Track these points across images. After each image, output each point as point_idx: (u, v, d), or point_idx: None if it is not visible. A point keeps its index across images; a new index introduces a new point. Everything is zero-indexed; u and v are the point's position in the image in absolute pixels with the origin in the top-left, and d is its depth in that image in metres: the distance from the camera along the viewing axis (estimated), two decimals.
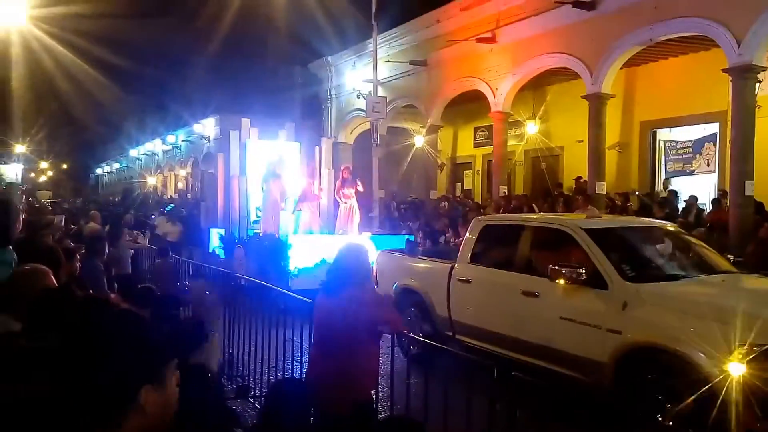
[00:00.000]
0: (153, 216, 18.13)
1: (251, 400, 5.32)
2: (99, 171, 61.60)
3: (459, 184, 20.98)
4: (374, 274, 7.96)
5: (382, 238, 11.24)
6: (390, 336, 4.41)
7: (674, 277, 5.68)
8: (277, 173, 11.82)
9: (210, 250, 13.57)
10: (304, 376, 4.04)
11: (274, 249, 10.57)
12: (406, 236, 11.60)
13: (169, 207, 21.12)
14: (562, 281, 5.46)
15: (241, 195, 12.81)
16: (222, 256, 12.72)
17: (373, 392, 3.90)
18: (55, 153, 48.93)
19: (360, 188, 12.43)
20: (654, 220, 8.32)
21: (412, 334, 6.56)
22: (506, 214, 10.36)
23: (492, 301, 6.49)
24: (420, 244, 11.73)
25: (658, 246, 6.42)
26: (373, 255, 10.59)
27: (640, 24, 11.72)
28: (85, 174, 62.11)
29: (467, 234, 7.16)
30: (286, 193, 12.14)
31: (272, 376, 5.39)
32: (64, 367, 1.64)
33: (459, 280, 6.82)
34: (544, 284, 5.72)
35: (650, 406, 4.77)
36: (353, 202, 12.36)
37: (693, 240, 6.91)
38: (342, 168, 13.11)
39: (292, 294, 5.80)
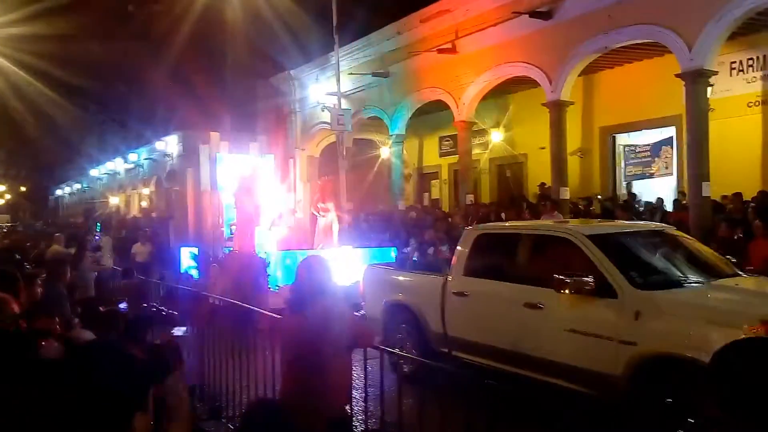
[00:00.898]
0: (97, 237, 17.01)
1: (224, 420, 5.24)
2: (59, 192, 60.11)
3: (426, 193, 21.10)
4: (361, 289, 7.86)
5: (367, 252, 10.90)
6: (378, 352, 4.34)
7: (684, 283, 5.40)
8: (249, 187, 11.49)
9: (182, 270, 12.93)
10: (277, 396, 4.00)
11: (253, 267, 10.28)
12: (392, 249, 11.32)
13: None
14: (567, 291, 5.16)
15: (214, 211, 12.46)
16: (195, 276, 12.09)
17: (347, 407, 3.87)
18: (12, 176, 47.59)
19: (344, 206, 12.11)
20: (654, 223, 7.99)
21: (403, 352, 6.52)
22: (499, 223, 10.05)
23: (491, 314, 6.17)
24: (409, 256, 11.43)
25: (661, 250, 6.12)
26: (358, 269, 10.12)
27: (595, 32, 12.01)
28: (44, 196, 60.58)
29: (459, 245, 6.79)
30: (260, 208, 11.73)
31: (245, 397, 5.32)
32: (69, 405, 1.75)
33: (454, 293, 6.49)
34: (547, 295, 5.44)
35: (668, 416, 4.57)
36: (332, 215, 11.97)
37: (695, 243, 6.64)
38: (321, 180, 12.87)
39: (270, 314, 5.53)
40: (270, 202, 11.98)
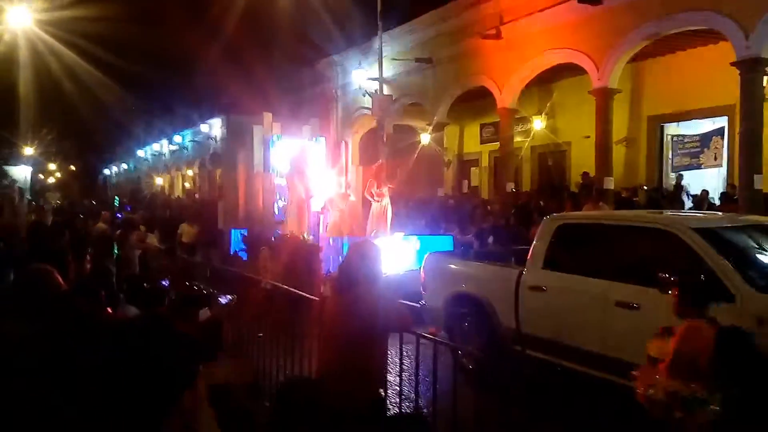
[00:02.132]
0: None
1: (262, 398, 5.35)
2: (107, 172, 61.94)
3: (465, 181, 20.97)
4: (422, 278, 7.38)
5: (422, 239, 10.44)
6: (439, 344, 4.23)
7: None
8: (301, 170, 11.14)
9: (231, 252, 12.48)
10: (314, 374, 4.06)
11: (305, 251, 9.83)
12: (450, 236, 10.92)
13: None
14: (671, 292, 4.29)
15: (265, 193, 12.07)
16: (244, 258, 11.63)
17: (382, 390, 3.91)
18: (63, 155, 49.15)
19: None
20: (764, 217, 6.97)
21: (470, 348, 6.13)
22: (584, 212, 9.29)
23: (575, 312, 5.56)
24: (472, 245, 11.01)
25: None
26: (412, 257, 9.86)
27: (647, 18, 11.67)
28: (93, 175, 62.43)
29: (537, 236, 6.20)
30: (312, 191, 11.27)
31: (283, 374, 5.40)
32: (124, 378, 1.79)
33: (531, 288, 5.92)
34: (645, 295, 4.85)
35: None
36: (387, 201, 11.35)
37: None
38: (376, 164, 11.91)
39: (315, 299, 5.30)
40: (322, 186, 11.49)
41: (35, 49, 20.50)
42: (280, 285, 6.36)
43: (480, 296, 6.48)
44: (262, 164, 12.40)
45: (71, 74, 26.50)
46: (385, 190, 11.25)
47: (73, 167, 58.43)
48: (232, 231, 12.77)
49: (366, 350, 3.55)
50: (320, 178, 11.55)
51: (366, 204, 11.72)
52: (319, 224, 10.94)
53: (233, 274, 8.04)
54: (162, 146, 42.61)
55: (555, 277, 5.78)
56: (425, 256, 7.68)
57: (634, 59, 13.16)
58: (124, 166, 55.33)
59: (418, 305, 7.03)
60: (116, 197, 22.85)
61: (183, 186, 39.39)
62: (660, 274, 4.45)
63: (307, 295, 5.53)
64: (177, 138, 38.49)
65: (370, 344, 3.58)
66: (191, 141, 36.54)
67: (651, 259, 5.16)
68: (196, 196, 31.02)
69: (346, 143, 12.79)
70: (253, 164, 12.59)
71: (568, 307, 5.63)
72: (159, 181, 42.57)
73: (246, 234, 11.94)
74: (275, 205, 12.12)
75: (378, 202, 11.28)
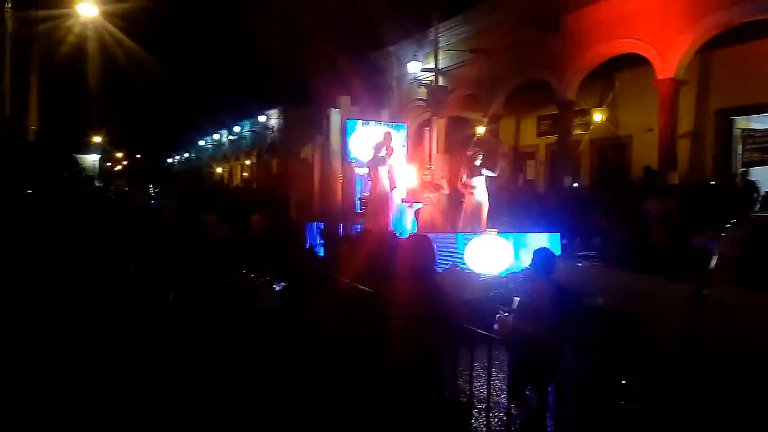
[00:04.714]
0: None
1: None
2: (170, 160, 64.07)
3: (521, 174, 20.58)
4: None
5: (525, 238, 9.28)
6: None
7: None
8: (386, 159, 9.95)
9: (306, 247, 11.37)
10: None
11: (388, 247, 8.96)
12: (557, 234, 9.60)
13: None
14: None
15: (346, 183, 10.84)
16: (321, 253, 10.68)
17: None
18: (129, 144, 51.15)
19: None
20: None
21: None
22: None
23: None
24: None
25: None
26: (503, 254, 8.58)
27: (717, 5, 11.10)
28: (157, 163, 64.67)
29: (723, 243, 4.94)
30: (396, 182, 10.07)
31: None
32: None
33: (719, 305, 4.67)
34: None
35: None
36: (481, 193, 10.13)
37: None
38: (470, 152, 10.49)
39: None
40: (406, 176, 10.41)
41: (102, 41, 21.32)
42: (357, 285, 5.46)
43: (631, 311, 5.26)
44: (340, 152, 11.22)
45: (137, 65, 27.46)
46: (481, 180, 10.02)
47: (138, 156, 60.66)
48: (307, 224, 11.85)
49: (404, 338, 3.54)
50: (405, 167, 10.53)
51: (454, 197, 10.61)
52: (404, 218, 9.91)
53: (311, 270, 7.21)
54: (222, 136, 43.71)
55: (759, 297, 4.55)
56: (562, 262, 6.21)
57: (702, 49, 12.55)
58: (186, 154, 57.11)
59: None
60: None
61: (241, 175, 40.30)
62: None
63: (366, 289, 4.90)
64: (236, 128, 39.37)
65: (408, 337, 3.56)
66: (249, 131, 37.30)
67: None
68: (254, 185, 31.66)
69: (431, 129, 11.64)
70: (329, 152, 11.39)
71: None
72: (218, 170, 43.70)
73: (323, 228, 11.04)
74: (356, 197, 11.05)
75: (471, 194, 10.11)
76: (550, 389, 4.35)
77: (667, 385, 4.81)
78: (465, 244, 8.72)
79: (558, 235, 9.65)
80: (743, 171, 13.48)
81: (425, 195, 10.26)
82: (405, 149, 10.84)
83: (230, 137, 41.52)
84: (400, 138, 11.21)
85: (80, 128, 34.22)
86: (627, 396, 4.92)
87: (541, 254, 5.05)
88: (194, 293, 6.58)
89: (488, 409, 4.19)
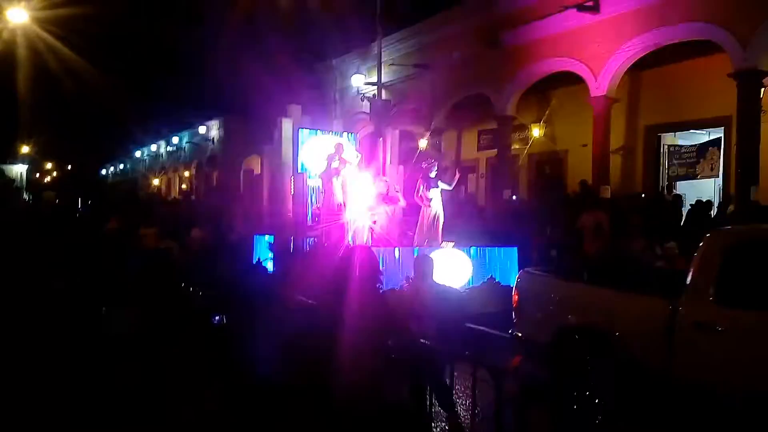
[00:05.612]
0: None
1: None
2: (103, 172, 61.81)
3: (462, 187, 20.93)
4: (514, 302, 5.97)
5: (481, 251, 9.29)
6: None
7: None
8: (339, 170, 9.89)
9: (254, 261, 10.80)
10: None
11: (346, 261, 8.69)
12: (515, 248, 9.66)
13: None
14: None
15: (297, 195, 10.65)
16: (270, 269, 10.17)
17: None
18: (59, 154, 49.11)
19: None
20: None
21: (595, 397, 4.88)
22: None
23: None
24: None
25: None
26: (467, 271, 8.91)
27: (645, 28, 11.71)
28: (89, 174, 62.31)
29: (698, 257, 4.65)
30: (349, 194, 9.96)
31: None
32: None
33: (696, 324, 4.40)
34: None
35: None
36: (437, 205, 10.01)
37: None
38: (425, 164, 10.32)
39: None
40: (360, 188, 10.15)
41: (33, 48, 20.45)
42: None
43: (609, 330, 4.96)
44: (291, 162, 10.97)
45: (69, 73, 26.44)
46: (436, 192, 9.97)
47: (69, 166, 58.29)
48: (255, 237, 11.39)
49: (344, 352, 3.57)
50: (358, 178, 10.26)
51: (412, 210, 10.47)
52: (363, 231, 9.67)
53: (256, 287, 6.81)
54: (159, 147, 42.60)
55: (736, 315, 4.32)
56: (520, 273, 6.28)
57: (633, 69, 13.20)
58: (121, 166, 55.30)
59: (506, 334, 5.91)
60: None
61: (179, 187, 39.33)
62: None
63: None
64: (174, 139, 38.46)
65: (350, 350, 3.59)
66: (188, 143, 36.52)
67: None
68: (192, 197, 30.94)
69: (384, 140, 11.44)
70: (279, 162, 11.12)
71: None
72: (155, 182, 42.51)
73: (273, 241, 10.64)
74: (308, 209, 10.86)
75: (428, 207, 9.98)
76: (428, 390, 4.42)
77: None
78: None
79: (515, 249, 9.75)
80: (667, 185, 14.21)
81: (376, 207, 10.10)
82: (359, 160, 10.62)
83: (168, 148, 40.49)
84: (351, 149, 11.11)
85: (7, 137, 32.68)
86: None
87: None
88: (129, 309, 6.34)
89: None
